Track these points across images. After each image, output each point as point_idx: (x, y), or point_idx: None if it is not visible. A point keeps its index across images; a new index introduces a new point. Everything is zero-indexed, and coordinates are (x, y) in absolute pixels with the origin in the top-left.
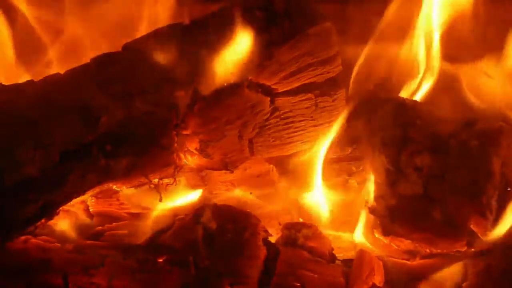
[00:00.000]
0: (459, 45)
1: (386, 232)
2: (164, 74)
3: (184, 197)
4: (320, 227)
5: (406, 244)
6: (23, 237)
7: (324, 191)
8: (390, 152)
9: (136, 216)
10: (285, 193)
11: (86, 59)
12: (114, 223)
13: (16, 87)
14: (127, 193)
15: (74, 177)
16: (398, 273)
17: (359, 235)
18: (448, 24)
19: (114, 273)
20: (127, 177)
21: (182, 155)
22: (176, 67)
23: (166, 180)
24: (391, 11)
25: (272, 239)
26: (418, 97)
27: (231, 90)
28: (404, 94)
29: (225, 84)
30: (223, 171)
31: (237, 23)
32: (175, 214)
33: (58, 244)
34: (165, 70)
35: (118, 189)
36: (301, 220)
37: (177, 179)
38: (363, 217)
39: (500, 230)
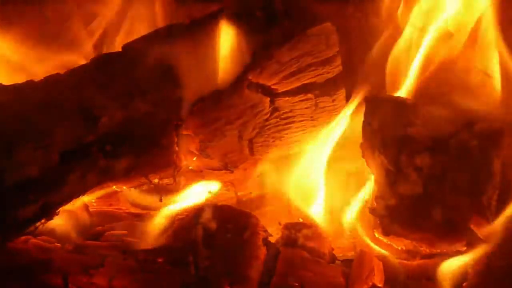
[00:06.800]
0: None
1: (386, 232)
2: (164, 74)
3: (184, 197)
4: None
5: (406, 244)
6: (23, 237)
7: (324, 191)
8: (390, 152)
9: (136, 216)
10: (285, 193)
11: None
12: (114, 223)
13: (16, 87)
14: (127, 193)
15: (74, 177)
16: (398, 273)
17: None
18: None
19: (114, 273)
20: (127, 177)
21: (182, 156)
22: (176, 67)
23: (166, 180)
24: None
25: (272, 239)
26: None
27: (231, 90)
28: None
29: (225, 84)
30: (223, 171)
31: (237, 23)
32: (175, 214)
33: (58, 244)
34: (165, 70)
35: (118, 189)
36: (301, 220)
37: (177, 179)
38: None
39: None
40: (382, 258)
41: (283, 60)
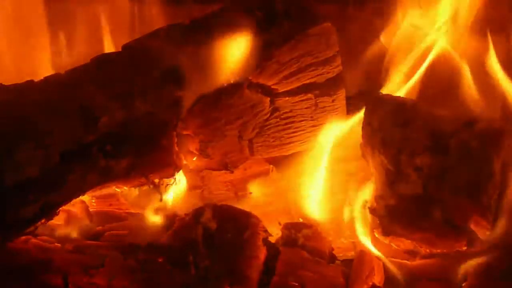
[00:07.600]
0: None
1: (386, 232)
2: (164, 74)
3: (184, 197)
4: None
5: (406, 244)
6: (23, 237)
7: (324, 191)
8: (390, 152)
9: (136, 216)
10: (285, 193)
11: None
12: (114, 223)
13: (16, 87)
14: (127, 193)
15: (74, 178)
16: (398, 273)
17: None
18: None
19: (114, 273)
20: (127, 178)
21: (182, 156)
22: (176, 67)
23: (166, 180)
24: None
25: (272, 239)
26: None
27: (231, 90)
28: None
29: (225, 84)
30: (223, 171)
31: (237, 23)
32: (175, 214)
33: (58, 244)
34: (165, 70)
35: (118, 190)
36: (301, 220)
37: (177, 179)
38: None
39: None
40: (382, 258)
41: (283, 60)
